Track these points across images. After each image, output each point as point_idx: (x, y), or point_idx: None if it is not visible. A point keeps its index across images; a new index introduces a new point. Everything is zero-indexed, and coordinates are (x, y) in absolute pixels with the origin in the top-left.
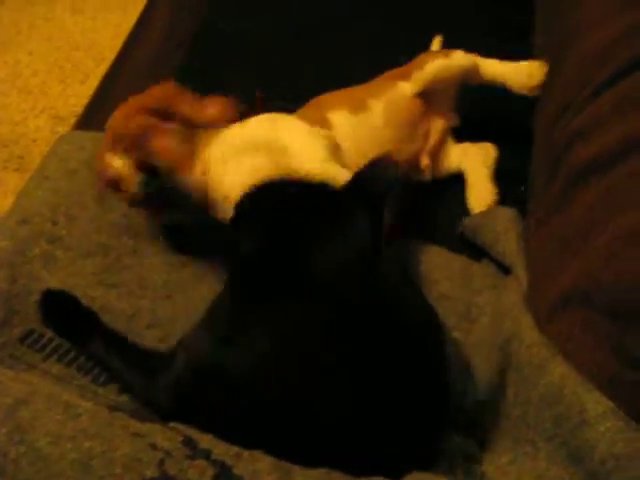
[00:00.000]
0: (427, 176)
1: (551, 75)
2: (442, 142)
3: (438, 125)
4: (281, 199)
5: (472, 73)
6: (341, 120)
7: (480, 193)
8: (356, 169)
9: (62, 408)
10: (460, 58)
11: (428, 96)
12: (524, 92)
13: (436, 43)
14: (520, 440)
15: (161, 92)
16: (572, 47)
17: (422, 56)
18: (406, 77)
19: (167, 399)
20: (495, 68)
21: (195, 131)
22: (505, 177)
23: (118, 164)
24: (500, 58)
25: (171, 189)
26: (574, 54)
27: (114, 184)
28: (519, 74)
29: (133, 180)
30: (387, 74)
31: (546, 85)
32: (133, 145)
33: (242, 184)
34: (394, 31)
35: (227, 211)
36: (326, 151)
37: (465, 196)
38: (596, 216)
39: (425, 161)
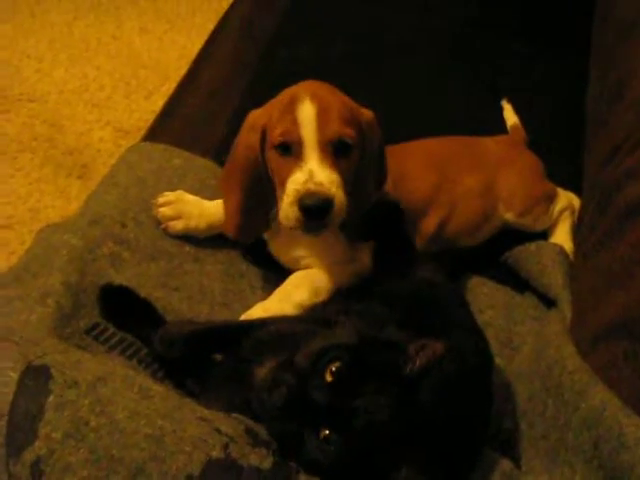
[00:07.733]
0: None
1: (604, 116)
2: None
3: None
4: None
5: None
6: None
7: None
8: None
9: (137, 388)
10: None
11: None
12: None
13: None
14: (557, 461)
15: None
16: (626, 90)
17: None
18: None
19: None
20: None
21: None
22: None
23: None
24: None
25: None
26: (627, 97)
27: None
28: None
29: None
30: None
31: (599, 126)
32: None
33: None
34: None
35: None
36: None
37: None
38: None
39: None
